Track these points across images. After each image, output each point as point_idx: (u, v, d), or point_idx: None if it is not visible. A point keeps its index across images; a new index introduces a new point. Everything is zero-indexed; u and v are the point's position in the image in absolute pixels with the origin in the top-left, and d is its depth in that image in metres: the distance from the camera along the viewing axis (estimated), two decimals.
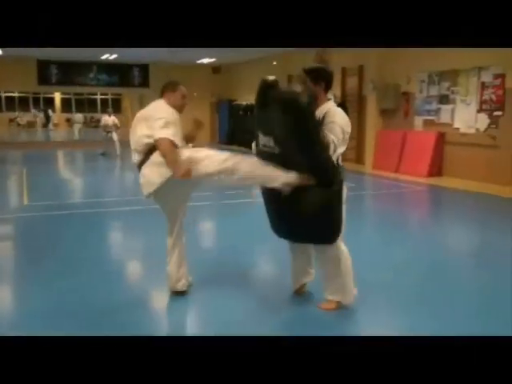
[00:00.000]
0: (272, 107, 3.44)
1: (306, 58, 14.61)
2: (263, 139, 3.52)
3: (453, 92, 10.63)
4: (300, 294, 3.96)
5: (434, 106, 11.11)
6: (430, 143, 10.90)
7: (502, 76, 9.51)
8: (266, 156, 3.51)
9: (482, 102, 9.98)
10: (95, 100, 35.44)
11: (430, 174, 10.73)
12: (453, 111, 10.67)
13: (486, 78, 9.84)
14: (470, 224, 6.89)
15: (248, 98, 18.72)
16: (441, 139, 10.86)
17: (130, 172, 13.03)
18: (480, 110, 10.03)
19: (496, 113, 9.68)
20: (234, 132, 19.50)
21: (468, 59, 10.03)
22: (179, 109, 3.95)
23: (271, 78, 3.54)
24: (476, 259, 5.27)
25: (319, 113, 3.46)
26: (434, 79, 11.10)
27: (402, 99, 11.90)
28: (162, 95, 3.95)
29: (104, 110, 20.43)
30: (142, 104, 32.45)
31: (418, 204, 8.90)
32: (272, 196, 3.59)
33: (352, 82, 13.44)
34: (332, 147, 3.36)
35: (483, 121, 9.96)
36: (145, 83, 20.28)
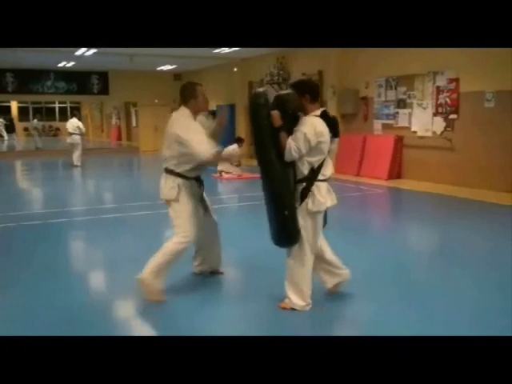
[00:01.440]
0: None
1: (265, 64, 14.79)
2: None
3: (409, 96, 10.91)
4: (333, 294, 4.07)
5: (392, 110, 11.37)
6: (389, 147, 11.14)
7: (456, 80, 9.81)
8: None
9: (437, 106, 10.27)
10: (53, 108, 34.74)
11: (390, 177, 10.97)
12: (410, 115, 10.94)
13: (441, 82, 10.14)
14: (430, 224, 7.06)
15: (210, 104, 18.69)
16: (399, 142, 11.12)
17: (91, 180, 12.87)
18: (436, 114, 10.32)
19: (451, 116, 9.97)
20: None
21: (423, 64, 10.33)
22: (204, 109, 4.16)
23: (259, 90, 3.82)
24: (439, 257, 5.41)
25: (300, 122, 3.67)
26: (392, 84, 11.36)
27: (362, 104, 12.13)
28: (184, 103, 4.06)
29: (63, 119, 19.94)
30: (102, 112, 32.10)
31: (378, 206, 9.06)
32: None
33: None
34: (287, 151, 3.54)
35: (439, 124, 10.26)
36: (104, 91, 20.00)
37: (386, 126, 11.58)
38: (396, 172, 11.12)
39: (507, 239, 6.00)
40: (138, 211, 7.85)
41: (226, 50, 14.09)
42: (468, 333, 3.25)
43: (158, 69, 18.94)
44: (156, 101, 20.59)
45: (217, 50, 14.19)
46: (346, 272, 4.05)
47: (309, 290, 3.77)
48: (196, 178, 4.15)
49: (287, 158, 3.58)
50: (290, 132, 3.61)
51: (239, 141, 12.19)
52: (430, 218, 7.43)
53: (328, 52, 12.41)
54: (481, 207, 7.98)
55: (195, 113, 4.07)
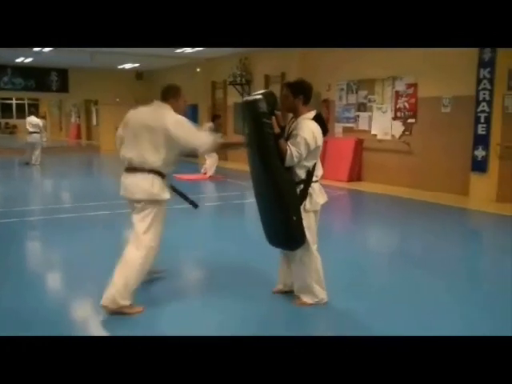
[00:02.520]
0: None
1: (228, 65, 14.78)
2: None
3: (370, 100, 11.11)
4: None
5: (353, 113, 11.55)
6: (350, 149, 11.31)
7: (415, 85, 10.05)
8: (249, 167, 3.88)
9: (396, 110, 10.50)
10: (10, 105, 33.77)
11: (350, 179, 11.14)
12: (370, 118, 11.14)
13: (400, 87, 10.37)
14: (389, 225, 7.21)
15: None
16: (359, 145, 11.30)
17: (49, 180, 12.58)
18: (395, 118, 10.54)
19: (410, 120, 10.21)
20: None
21: (383, 69, 10.53)
22: (182, 113, 3.90)
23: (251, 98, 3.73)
24: (397, 257, 5.52)
25: (294, 124, 3.72)
26: (353, 88, 11.54)
27: (323, 106, 12.27)
28: (164, 100, 3.86)
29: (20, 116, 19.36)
30: (61, 110, 31.35)
31: (339, 208, 9.18)
32: (258, 205, 3.90)
33: (275, 89, 13.65)
34: (288, 156, 3.56)
35: (398, 128, 10.48)
36: (64, 88, 19.54)
37: (346, 129, 11.75)
38: (356, 174, 11.31)
39: (460, 240, 6.19)
40: (95, 211, 7.72)
41: (188, 49, 14.00)
42: (427, 333, 3.33)
43: (120, 67, 18.67)
44: (117, 100, 20.26)
45: (179, 50, 14.09)
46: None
47: (320, 288, 3.86)
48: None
49: (288, 163, 3.60)
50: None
51: (216, 118, 12.13)
52: (389, 220, 7.58)
53: (291, 54, 12.50)
54: (437, 209, 8.19)
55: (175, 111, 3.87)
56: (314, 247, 3.82)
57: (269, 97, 3.66)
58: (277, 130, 3.60)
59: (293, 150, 3.56)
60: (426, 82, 9.84)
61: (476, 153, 8.73)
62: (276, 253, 4.09)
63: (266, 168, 3.65)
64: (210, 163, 11.80)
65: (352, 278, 4.66)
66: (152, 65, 18.03)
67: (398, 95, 10.44)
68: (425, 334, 3.13)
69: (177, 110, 3.84)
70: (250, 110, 3.67)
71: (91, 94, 20.63)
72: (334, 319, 3.77)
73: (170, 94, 3.88)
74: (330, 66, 11.82)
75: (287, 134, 3.71)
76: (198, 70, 16.51)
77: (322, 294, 3.88)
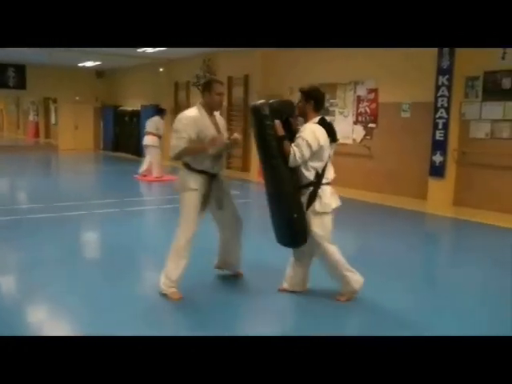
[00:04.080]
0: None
1: (192, 65, 14.68)
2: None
3: (332, 104, 11.21)
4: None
5: None
6: None
7: (375, 91, 10.21)
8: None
9: (357, 115, 10.63)
10: None
11: None
12: (332, 122, 11.21)
13: (361, 91, 10.51)
14: (346, 228, 7.27)
15: (134, 104, 18.31)
16: None
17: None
18: (356, 122, 10.67)
19: (370, 125, 10.36)
20: (119, 139, 18.96)
21: (345, 73, 10.65)
22: (217, 107, 4.14)
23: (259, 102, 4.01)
24: (352, 260, 5.56)
25: (301, 128, 3.95)
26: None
27: None
28: (201, 96, 4.12)
29: None
30: (19, 107, 30.53)
31: None
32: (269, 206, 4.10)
33: (238, 92, 13.66)
34: (291, 157, 3.78)
35: (359, 132, 10.62)
36: (21, 85, 18.97)
37: None
38: None
39: (415, 242, 6.31)
40: (41, 214, 7.51)
41: (150, 49, 13.82)
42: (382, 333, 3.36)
43: (80, 65, 18.26)
44: (77, 98, 19.87)
45: (141, 50, 13.89)
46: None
47: (351, 273, 4.03)
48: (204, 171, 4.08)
49: (291, 163, 3.83)
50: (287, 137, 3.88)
51: (161, 112, 12.03)
52: (346, 223, 7.65)
53: (254, 57, 12.51)
54: (395, 213, 8.33)
55: (206, 105, 4.08)
56: (328, 244, 3.98)
57: (284, 104, 4.10)
58: (281, 132, 3.84)
59: (295, 151, 3.79)
60: (386, 88, 10.01)
61: (434, 158, 8.92)
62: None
63: (268, 167, 3.96)
64: (154, 162, 11.58)
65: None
66: (114, 63, 17.72)
67: (359, 100, 10.58)
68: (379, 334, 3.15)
69: (210, 104, 4.07)
70: (253, 113, 3.98)
71: (50, 91, 20.14)
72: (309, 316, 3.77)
73: (203, 89, 4.11)
74: (292, 70, 11.87)
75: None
76: (161, 69, 16.34)
77: (356, 277, 4.05)
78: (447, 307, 4.11)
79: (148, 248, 5.86)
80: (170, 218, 7.71)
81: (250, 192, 10.83)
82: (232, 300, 4.14)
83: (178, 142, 3.91)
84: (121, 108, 18.93)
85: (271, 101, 4.01)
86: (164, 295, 4.02)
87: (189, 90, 15.48)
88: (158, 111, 12.25)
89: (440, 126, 8.78)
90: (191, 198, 4.02)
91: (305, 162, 3.85)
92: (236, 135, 4.19)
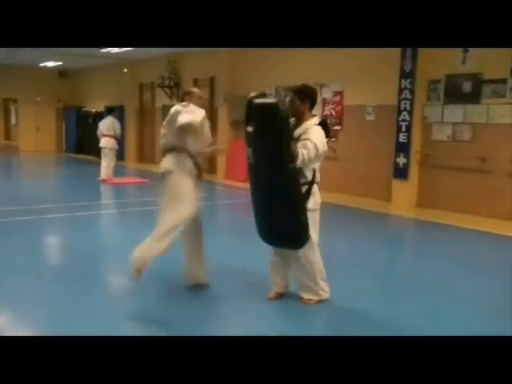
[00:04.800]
0: (253, 118, 3.82)
1: (157, 66, 14.52)
2: (248, 151, 3.93)
3: None
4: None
5: None
6: None
7: (341, 93, 10.30)
8: (248, 167, 4.02)
9: (323, 117, 10.69)
10: None
11: None
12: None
13: (327, 94, 10.59)
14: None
15: (97, 105, 18.00)
16: None
17: None
18: None
19: (336, 127, 10.44)
20: (83, 140, 18.59)
21: (311, 76, 10.69)
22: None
23: (255, 93, 3.89)
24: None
25: (301, 129, 3.88)
26: (281, 93, 11.64)
27: None
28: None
29: None
30: None
31: None
32: (255, 206, 4.10)
33: (204, 93, 13.55)
34: (300, 160, 3.75)
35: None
36: None
37: None
38: None
39: (378, 243, 6.38)
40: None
41: (114, 50, 13.60)
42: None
43: (42, 65, 17.82)
44: (38, 99, 19.40)
45: (105, 50, 13.65)
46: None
47: (325, 279, 4.07)
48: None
49: (299, 164, 3.79)
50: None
51: (112, 111, 11.92)
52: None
53: (220, 59, 12.47)
54: (360, 214, 8.41)
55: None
56: (315, 243, 4.00)
57: (282, 103, 3.87)
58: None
59: (304, 154, 3.75)
60: (351, 91, 10.11)
61: (398, 160, 9.05)
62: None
63: (281, 169, 3.77)
64: (107, 165, 11.38)
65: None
66: (76, 63, 17.37)
67: (325, 102, 10.65)
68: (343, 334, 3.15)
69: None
70: (273, 112, 3.68)
71: (10, 91, 19.60)
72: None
73: (183, 96, 4.31)
74: (258, 72, 11.88)
75: (295, 138, 3.84)
76: (125, 70, 16.10)
77: (327, 288, 4.07)
78: (413, 306, 4.16)
79: (108, 252, 5.75)
80: (134, 221, 7.59)
81: (217, 194, 10.77)
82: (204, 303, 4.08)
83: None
84: (84, 109, 18.58)
85: (255, 95, 3.88)
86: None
87: (154, 90, 15.31)
88: (109, 111, 12.05)
89: (403, 129, 8.92)
90: (190, 183, 4.05)
91: (308, 164, 3.89)
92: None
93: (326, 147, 3.92)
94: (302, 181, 3.91)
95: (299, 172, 3.86)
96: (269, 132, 3.74)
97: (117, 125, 11.51)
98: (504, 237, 6.80)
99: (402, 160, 9.00)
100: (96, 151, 17.30)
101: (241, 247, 5.96)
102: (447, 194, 8.58)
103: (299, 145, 3.77)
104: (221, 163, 12.76)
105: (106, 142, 11.31)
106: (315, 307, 4.02)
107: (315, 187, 4.03)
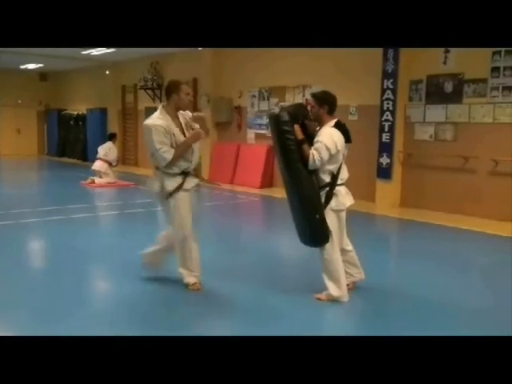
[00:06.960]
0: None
1: (139, 68, 14.43)
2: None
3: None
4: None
5: (265, 120, 11.65)
6: (262, 156, 11.40)
7: None
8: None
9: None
10: None
11: (263, 185, 11.21)
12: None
13: (309, 95, 10.59)
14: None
15: (79, 108, 17.84)
16: (271, 152, 11.40)
17: None
18: None
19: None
20: (65, 144, 18.41)
21: (294, 77, 10.74)
22: (185, 107, 4.24)
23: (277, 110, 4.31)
24: (305, 262, 5.58)
25: (319, 132, 4.05)
26: (264, 95, 11.66)
27: (235, 113, 12.30)
28: (166, 98, 4.16)
29: None
30: None
31: (252, 213, 9.22)
32: (290, 207, 4.25)
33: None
34: (311, 161, 3.90)
35: None
36: None
37: (258, 136, 11.84)
38: (268, 181, 11.40)
39: (362, 242, 6.39)
40: None
41: (95, 51, 13.48)
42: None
43: (22, 67, 17.61)
44: (19, 101, 19.16)
45: (86, 52, 13.53)
46: (361, 274, 4.40)
47: (344, 281, 4.10)
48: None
49: (311, 166, 3.95)
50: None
51: (112, 137, 11.85)
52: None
53: (202, 60, 12.45)
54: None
55: (175, 107, 4.15)
56: (336, 243, 4.08)
57: (298, 108, 4.25)
58: (300, 136, 3.94)
59: (315, 155, 3.90)
60: (334, 91, 10.04)
61: (381, 160, 9.10)
62: None
63: (289, 171, 4.04)
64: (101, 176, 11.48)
65: (266, 280, 4.66)
66: (58, 65, 17.19)
67: (307, 103, 10.64)
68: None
69: (179, 104, 4.15)
70: (272, 120, 4.12)
71: None
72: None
73: (170, 91, 4.14)
74: (241, 73, 11.87)
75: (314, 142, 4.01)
76: (108, 72, 15.98)
77: (335, 292, 4.06)
78: (402, 305, 4.17)
79: (94, 254, 5.68)
80: (124, 224, 7.53)
81: (202, 195, 10.71)
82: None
83: (165, 156, 4.01)
84: (66, 112, 18.40)
85: (286, 106, 4.13)
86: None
87: (136, 92, 15.22)
88: (110, 136, 12.05)
89: (386, 129, 8.98)
90: (185, 199, 4.15)
91: (323, 165, 3.97)
92: (198, 113, 4.39)
93: (340, 147, 3.99)
94: (321, 183, 4.03)
95: (315, 174, 4.01)
96: (275, 139, 4.08)
97: (113, 151, 11.54)
98: (486, 234, 6.87)
99: (385, 160, 9.06)
100: (78, 154, 17.20)
101: (228, 250, 5.93)
102: (430, 193, 8.65)
103: (312, 147, 3.94)
104: (205, 164, 12.71)
105: (99, 166, 11.41)
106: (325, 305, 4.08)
107: (340, 190, 4.09)
